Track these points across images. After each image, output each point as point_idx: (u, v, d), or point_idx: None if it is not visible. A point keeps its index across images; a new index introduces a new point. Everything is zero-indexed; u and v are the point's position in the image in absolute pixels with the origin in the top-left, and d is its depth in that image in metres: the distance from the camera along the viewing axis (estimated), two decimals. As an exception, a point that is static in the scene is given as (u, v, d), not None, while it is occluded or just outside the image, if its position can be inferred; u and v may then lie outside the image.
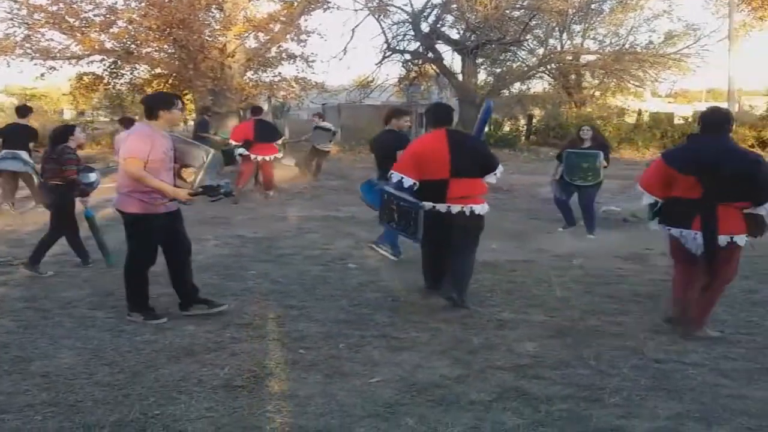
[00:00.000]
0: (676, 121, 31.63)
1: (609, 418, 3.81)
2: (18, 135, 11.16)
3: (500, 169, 6.20)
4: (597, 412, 3.87)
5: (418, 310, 5.92)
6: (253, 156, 13.21)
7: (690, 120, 31.26)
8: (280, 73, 24.96)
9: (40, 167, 7.97)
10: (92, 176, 7.76)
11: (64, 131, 7.51)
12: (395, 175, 5.93)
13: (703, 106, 36.50)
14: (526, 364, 4.63)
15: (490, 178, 6.17)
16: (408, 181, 5.85)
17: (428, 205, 5.82)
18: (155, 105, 5.51)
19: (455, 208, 5.91)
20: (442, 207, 5.90)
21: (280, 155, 14.23)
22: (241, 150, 13.19)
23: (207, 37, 21.60)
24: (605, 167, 10.10)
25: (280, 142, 14.16)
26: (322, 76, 28.25)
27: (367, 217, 11.34)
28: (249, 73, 24.26)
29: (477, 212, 6.01)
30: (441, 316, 5.74)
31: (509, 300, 6.28)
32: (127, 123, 11.81)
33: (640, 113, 32.41)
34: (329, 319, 5.62)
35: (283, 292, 6.50)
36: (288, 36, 23.35)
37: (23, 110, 11.77)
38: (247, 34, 22.60)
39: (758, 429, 3.71)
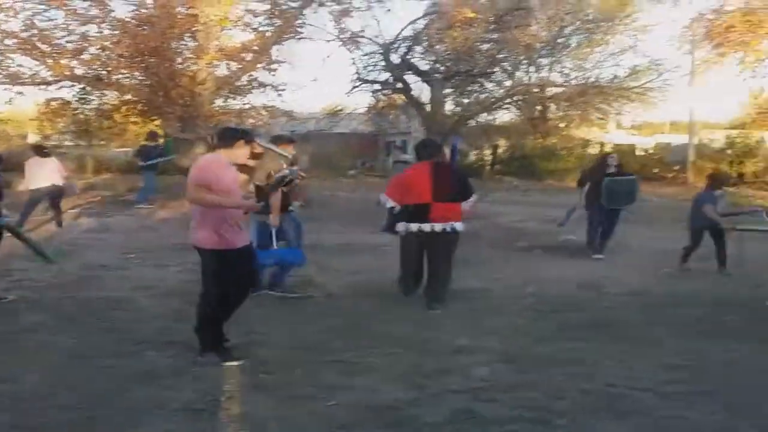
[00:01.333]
0: (638, 152, 32.27)
1: (555, 439, 3.99)
2: None
3: (474, 197, 7.53)
4: (544, 433, 4.05)
5: (375, 336, 6.08)
6: None
7: (651, 151, 31.94)
8: (249, 101, 25.14)
9: None
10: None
11: None
12: (382, 198, 7.38)
13: (665, 138, 37.39)
14: (479, 388, 4.80)
15: (465, 205, 7.40)
16: (390, 203, 7.31)
17: (414, 226, 7.19)
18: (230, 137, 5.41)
19: (438, 227, 7.14)
20: (426, 226, 7.15)
21: None
22: None
23: (178, 65, 21.74)
24: None
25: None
26: (292, 105, 28.44)
27: (330, 243, 11.52)
28: (219, 101, 24.39)
29: (457, 229, 7.27)
30: (398, 341, 5.90)
31: (465, 327, 6.45)
32: (37, 150, 12.45)
33: (603, 145, 33.00)
34: (288, 345, 5.75)
35: (244, 317, 6.60)
36: (259, 65, 23.55)
37: None
38: (218, 63, 22.77)
39: (694, 450, 3.91)
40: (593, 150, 32.10)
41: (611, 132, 38.29)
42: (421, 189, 7.15)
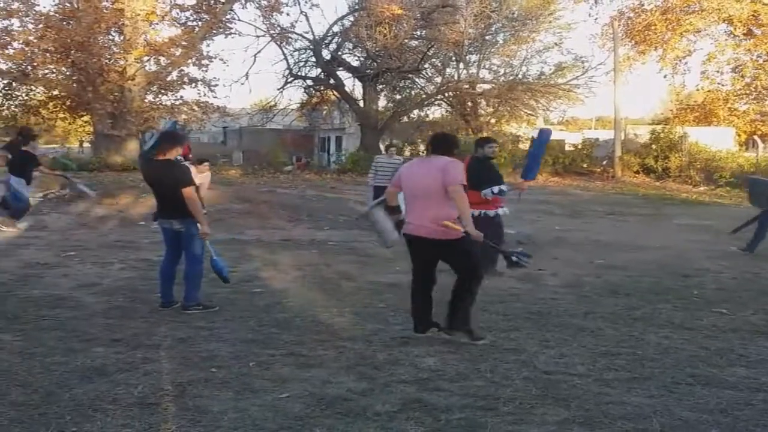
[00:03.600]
0: (567, 147, 33.03)
1: (503, 425, 4.14)
2: None
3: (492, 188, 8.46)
4: (492, 420, 4.19)
5: (325, 329, 6.17)
6: None
7: (579, 147, 32.72)
8: (181, 96, 24.89)
9: None
10: None
11: None
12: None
13: (592, 134, 38.35)
14: (428, 378, 4.93)
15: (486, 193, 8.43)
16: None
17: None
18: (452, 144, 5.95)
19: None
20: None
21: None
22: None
23: (106, 60, 21.37)
24: None
25: None
26: (224, 100, 28.30)
27: (272, 239, 11.56)
28: (149, 96, 24.06)
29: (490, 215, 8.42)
30: (347, 334, 6.00)
31: (412, 319, 6.58)
32: None
33: (533, 140, 33.63)
34: (239, 339, 5.79)
35: (192, 313, 6.62)
36: (189, 60, 23.34)
37: None
38: (147, 58, 22.47)
39: (634, 431, 4.10)
40: (523, 146, 32.73)
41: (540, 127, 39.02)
42: None
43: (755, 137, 33.05)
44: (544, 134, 9.77)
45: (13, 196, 11.50)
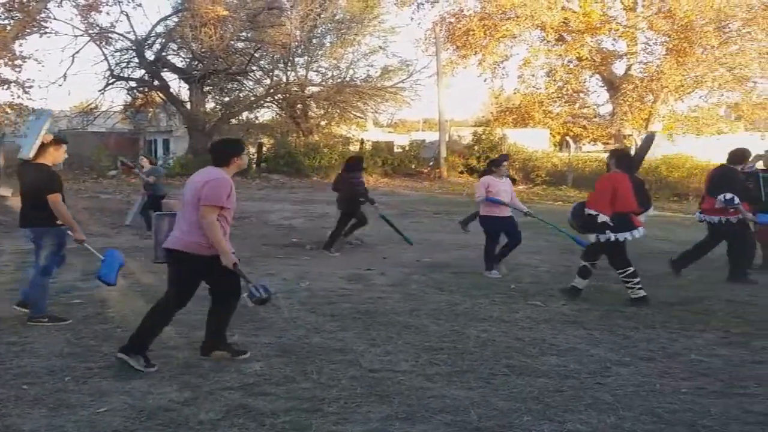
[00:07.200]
0: (396, 149, 33.82)
1: (327, 425, 4.19)
2: None
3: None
4: (317, 421, 4.24)
5: (147, 340, 5.99)
6: None
7: (407, 148, 33.58)
8: (-7, 98, 23.31)
9: None
10: None
11: None
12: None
13: (419, 135, 39.47)
14: (254, 383, 4.91)
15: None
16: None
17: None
18: (229, 152, 5.39)
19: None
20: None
21: None
22: None
23: None
24: None
25: None
26: (41, 102, 26.78)
27: (93, 247, 11.05)
28: (-43, 98, 22.38)
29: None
30: (171, 343, 5.86)
31: (239, 323, 6.48)
32: None
33: (362, 142, 34.20)
34: (54, 354, 5.52)
35: (2, 328, 6.24)
36: (1, 61, 21.91)
37: None
38: (-46, 58, 20.92)
39: (453, 423, 4.26)
40: (353, 147, 33.19)
41: (370, 130, 39.77)
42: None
43: (568, 138, 35.24)
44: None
45: None
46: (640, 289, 7.62)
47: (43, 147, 6.45)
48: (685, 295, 8.23)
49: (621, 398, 4.71)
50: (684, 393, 4.83)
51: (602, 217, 7.49)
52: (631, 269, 7.66)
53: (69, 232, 6.55)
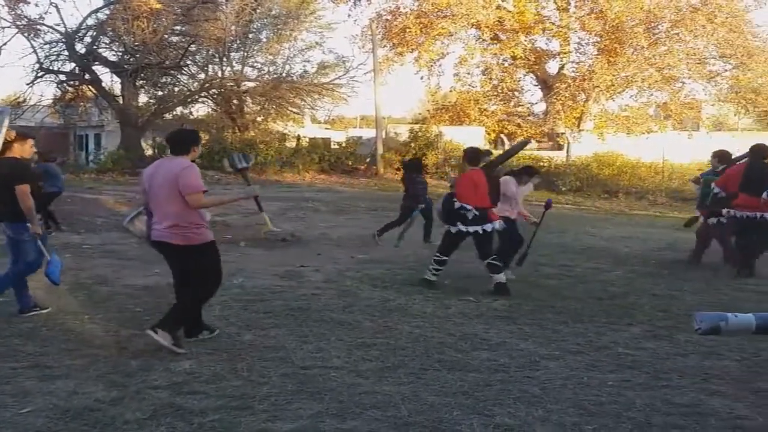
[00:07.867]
0: (333, 146, 33.75)
1: (256, 423, 4.15)
2: None
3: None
4: (246, 419, 4.20)
5: (75, 338, 5.86)
6: None
7: (344, 145, 33.53)
8: None
9: None
10: None
11: None
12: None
13: (357, 132, 39.46)
14: (183, 381, 4.84)
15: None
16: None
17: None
18: (189, 140, 5.75)
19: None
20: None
21: None
22: None
23: None
24: None
25: None
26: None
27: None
28: None
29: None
30: (99, 341, 5.74)
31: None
32: None
33: (299, 138, 34.04)
34: (-25, 353, 5.35)
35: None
36: None
37: None
38: None
39: (383, 419, 4.27)
40: (290, 144, 33.00)
41: (307, 126, 39.61)
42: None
43: (502, 136, 35.66)
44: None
45: None
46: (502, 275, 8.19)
47: (7, 144, 6.39)
48: (613, 291, 8.44)
49: (549, 391, 4.79)
50: (610, 385, 4.94)
51: (468, 208, 8.00)
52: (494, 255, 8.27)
53: (28, 224, 6.42)
